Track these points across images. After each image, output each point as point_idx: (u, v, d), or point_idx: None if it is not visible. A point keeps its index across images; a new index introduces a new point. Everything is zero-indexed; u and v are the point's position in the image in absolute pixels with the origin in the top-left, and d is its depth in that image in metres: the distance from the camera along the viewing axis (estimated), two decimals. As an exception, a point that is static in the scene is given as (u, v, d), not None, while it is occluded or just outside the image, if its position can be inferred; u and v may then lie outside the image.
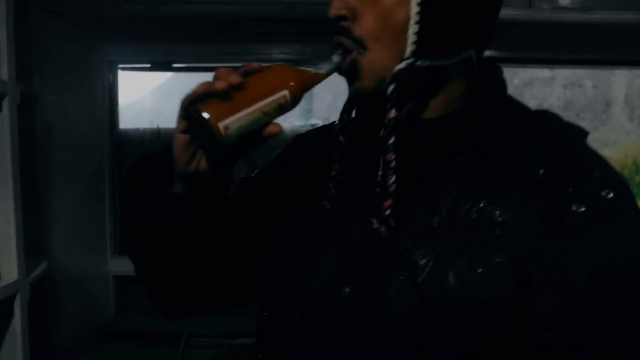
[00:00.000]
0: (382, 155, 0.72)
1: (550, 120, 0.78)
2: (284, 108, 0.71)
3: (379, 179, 0.72)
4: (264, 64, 0.72)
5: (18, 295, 1.34)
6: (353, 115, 0.81)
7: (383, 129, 0.71)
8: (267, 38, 1.94)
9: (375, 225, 0.71)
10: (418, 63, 0.70)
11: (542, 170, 0.69)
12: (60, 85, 1.88)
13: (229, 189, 0.80)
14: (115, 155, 2.27)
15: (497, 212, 0.69)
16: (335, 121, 0.83)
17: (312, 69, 0.72)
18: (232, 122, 0.67)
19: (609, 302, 0.67)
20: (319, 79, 0.73)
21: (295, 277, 0.79)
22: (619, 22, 1.60)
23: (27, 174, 1.42)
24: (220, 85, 0.67)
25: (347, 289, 0.73)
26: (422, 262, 0.69)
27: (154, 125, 2.32)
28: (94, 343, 2.06)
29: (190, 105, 0.68)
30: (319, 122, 3.44)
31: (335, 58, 0.72)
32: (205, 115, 0.66)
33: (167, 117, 2.09)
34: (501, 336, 0.68)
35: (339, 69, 0.73)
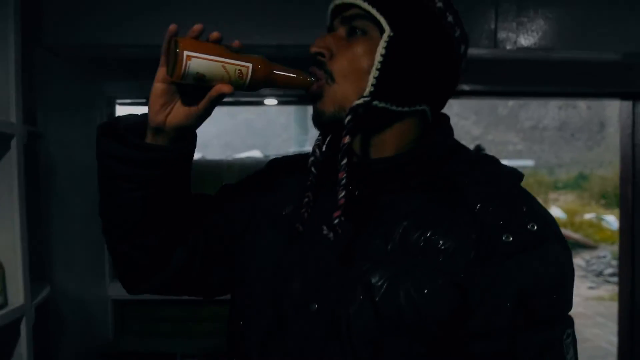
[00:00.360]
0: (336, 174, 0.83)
1: (488, 162, 0.89)
2: (241, 78, 0.81)
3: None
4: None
5: (24, 319, 1.43)
6: (324, 149, 0.92)
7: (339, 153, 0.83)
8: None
9: (325, 232, 0.82)
10: (374, 103, 0.83)
11: (478, 205, 0.81)
12: (62, 121, 1.97)
13: (188, 153, 0.88)
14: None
15: (441, 241, 0.80)
16: (308, 152, 0.94)
17: (285, 72, 0.85)
18: (196, 56, 0.77)
19: (532, 319, 0.78)
20: (284, 80, 0.85)
21: (270, 294, 0.88)
22: (575, 60, 1.73)
23: (31, 206, 1.50)
24: (197, 26, 0.80)
25: (315, 305, 0.84)
26: (379, 283, 0.80)
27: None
28: (94, 363, 2.14)
29: (172, 37, 0.80)
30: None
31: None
32: (179, 44, 0.78)
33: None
34: (444, 347, 0.79)
35: (307, 90, 0.86)
